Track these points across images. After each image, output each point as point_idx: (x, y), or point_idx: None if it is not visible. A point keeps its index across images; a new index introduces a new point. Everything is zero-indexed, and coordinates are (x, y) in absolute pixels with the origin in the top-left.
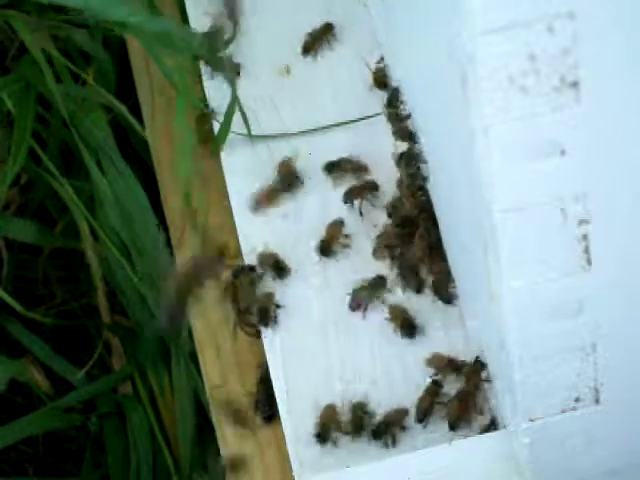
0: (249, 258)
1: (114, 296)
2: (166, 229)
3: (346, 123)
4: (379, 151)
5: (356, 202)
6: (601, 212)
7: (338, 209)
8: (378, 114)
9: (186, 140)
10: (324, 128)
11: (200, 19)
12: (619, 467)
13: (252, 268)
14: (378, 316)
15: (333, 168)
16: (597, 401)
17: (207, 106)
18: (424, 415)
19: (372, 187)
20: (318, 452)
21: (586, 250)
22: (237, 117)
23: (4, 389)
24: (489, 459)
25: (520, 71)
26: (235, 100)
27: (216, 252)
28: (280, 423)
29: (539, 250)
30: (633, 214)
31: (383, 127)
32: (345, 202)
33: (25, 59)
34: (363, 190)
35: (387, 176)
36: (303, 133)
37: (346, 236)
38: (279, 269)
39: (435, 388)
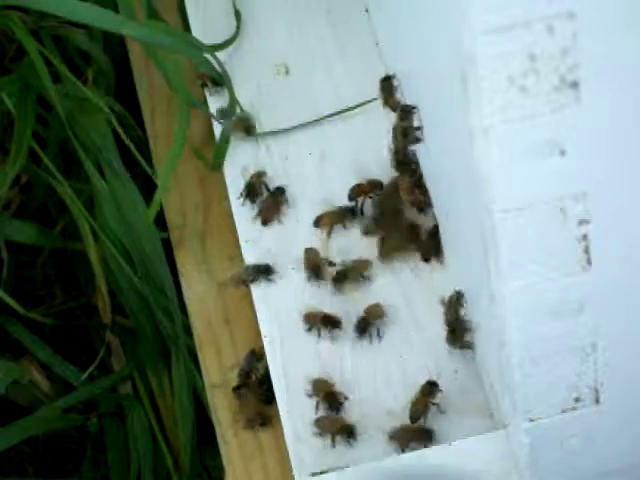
0: (248, 258)
1: (114, 296)
2: (166, 229)
3: (344, 111)
4: (379, 149)
5: (359, 200)
6: (601, 212)
7: (337, 206)
8: (374, 99)
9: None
10: (322, 119)
11: (200, 19)
12: (619, 467)
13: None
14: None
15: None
16: (597, 401)
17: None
18: (418, 417)
19: (377, 186)
20: (318, 452)
21: (586, 250)
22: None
23: (4, 391)
24: (489, 459)
25: (520, 71)
26: (234, 112)
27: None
28: (280, 423)
29: (539, 250)
30: (633, 214)
31: (383, 124)
32: (349, 199)
33: (25, 59)
34: (367, 189)
35: (388, 175)
36: (303, 133)
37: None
38: (333, 400)
39: (430, 389)
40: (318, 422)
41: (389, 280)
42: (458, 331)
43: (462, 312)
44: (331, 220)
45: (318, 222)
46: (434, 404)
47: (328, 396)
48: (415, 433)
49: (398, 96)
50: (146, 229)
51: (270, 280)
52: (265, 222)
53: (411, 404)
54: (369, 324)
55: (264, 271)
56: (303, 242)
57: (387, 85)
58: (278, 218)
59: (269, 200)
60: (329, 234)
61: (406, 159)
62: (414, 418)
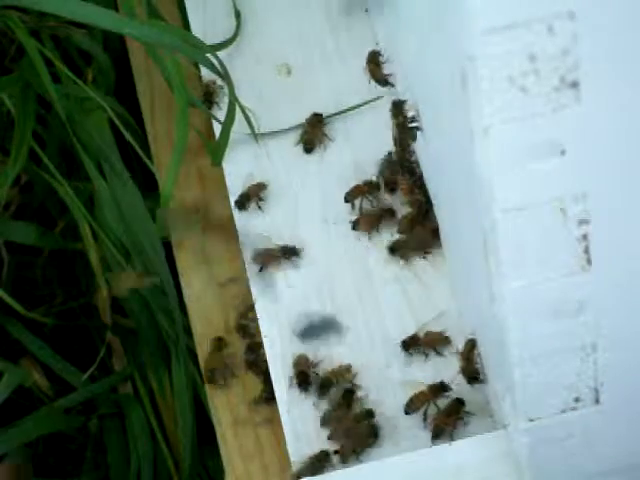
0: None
1: (114, 296)
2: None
3: (344, 112)
4: (379, 149)
5: (357, 201)
6: (601, 212)
7: (337, 207)
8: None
9: (180, 149)
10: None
11: (200, 18)
12: (619, 467)
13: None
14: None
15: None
16: (597, 401)
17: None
18: (412, 410)
19: (374, 187)
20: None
21: (586, 250)
22: (237, 117)
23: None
24: (489, 459)
25: (520, 71)
26: (234, 109)
27: None
28: (280, 423)
29: (539, 250)
30: (633, 214)
31: (383, 125)
32: (346, 201)
33: (25, 59)
34: (364, 189)
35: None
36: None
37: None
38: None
39: (438, 388)
40: (334, 434)
41: (390, 279)
42: (470, 374)
43: (476, 358)
44: (370, 224)
45: (355, 225)
46: (435, 404)
47: (300, 375)
48: None
49: (385, 70)
50: (146, 229)
51: (295, 261)
52: (308, 150)
53: (412, 396)
54: (332, 385)
55: (291, 252)
56: (302, 242)
57: (374, 58)
58: (320, 143)
59: (308, 126)
60: (370, 236)
61: (406, 159)
62: (407, 411)
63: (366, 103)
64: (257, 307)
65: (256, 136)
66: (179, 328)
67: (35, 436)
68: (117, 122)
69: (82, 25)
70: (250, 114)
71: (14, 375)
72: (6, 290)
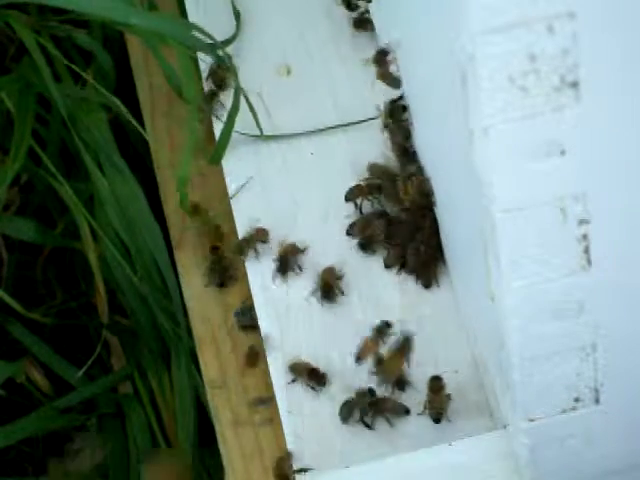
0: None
1: (114, 296)
2: (166, 229)
3: (346, 125)
4: (379, 149)
5: (357, 201)
6: (601, 212)
7: (337, 207)
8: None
9: (188, 143)
10: (327, 129)
11: (200, 19)
12: (619, 467)
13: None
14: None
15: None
16: (597, 401)
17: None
18: (441, 413)
19: (375, 188)
20: (318, 452)
21: (586, 250)
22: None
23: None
24: (489, 459)
25: (520, 71)
26: (237, 108)
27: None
28: (280, 423)
29: (539, 250)
30: (633, 214)
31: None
32: (347, 200)
33: (25, 59)
34: (366, 190)
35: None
36: (303, 133)
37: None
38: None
39: (438, 383)
40: (378, 404)
41: (390, 279)
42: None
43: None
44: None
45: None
46: (449, 397)
47: (311, 374)
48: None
49: (392, 68)
50: (148, 228)
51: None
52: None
53: (430, 405)
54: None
55: None
56: (302, 242)
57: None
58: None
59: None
60: None
61: (406, 154)
62: (437, 419)
63: (369, 120)
64: (257, 307)
65: (261, 131)
66: (182, 329)
67: (34, 433)
68: (125, 112)
69: (82, 25)
70: (249, 114)
71: (4, 369)
72: (6, 290)
